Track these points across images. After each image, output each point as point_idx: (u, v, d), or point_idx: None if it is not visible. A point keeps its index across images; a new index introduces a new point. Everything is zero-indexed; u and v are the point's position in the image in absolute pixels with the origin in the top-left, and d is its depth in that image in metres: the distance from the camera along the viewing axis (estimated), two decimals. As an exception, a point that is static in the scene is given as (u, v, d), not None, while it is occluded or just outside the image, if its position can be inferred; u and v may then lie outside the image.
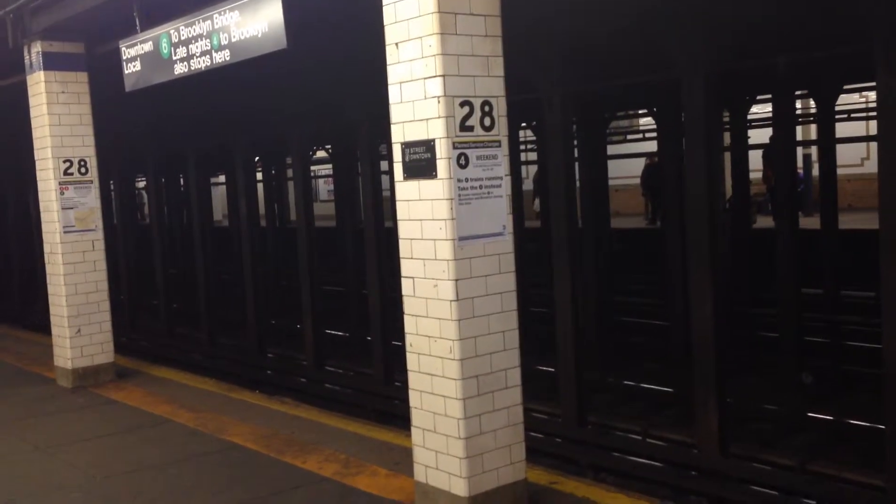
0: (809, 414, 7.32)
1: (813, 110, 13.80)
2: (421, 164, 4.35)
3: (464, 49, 4.30)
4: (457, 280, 4.29)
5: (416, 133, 4.36)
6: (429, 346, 4.45)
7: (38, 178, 8.31)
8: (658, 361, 9.42)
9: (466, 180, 4.31)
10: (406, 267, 4.54)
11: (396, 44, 4.41)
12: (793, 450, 6.71)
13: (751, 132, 12.43)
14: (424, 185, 4.36)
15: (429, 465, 4.52)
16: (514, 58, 4.89)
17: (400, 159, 4.48)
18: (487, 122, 4.39)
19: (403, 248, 4.54)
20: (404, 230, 4.53)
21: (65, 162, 8.06)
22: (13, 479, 5.77)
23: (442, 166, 4.25)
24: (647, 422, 7.43)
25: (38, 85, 8.03)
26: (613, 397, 8.52)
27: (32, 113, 8.22)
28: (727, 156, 12.13)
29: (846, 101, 14.28)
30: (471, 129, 4.32)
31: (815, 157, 16.99)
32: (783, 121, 9.43)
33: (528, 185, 19.51)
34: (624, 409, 8.15)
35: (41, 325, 11.31)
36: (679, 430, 6.98)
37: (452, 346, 4.32)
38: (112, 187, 14.24)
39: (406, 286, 4.55)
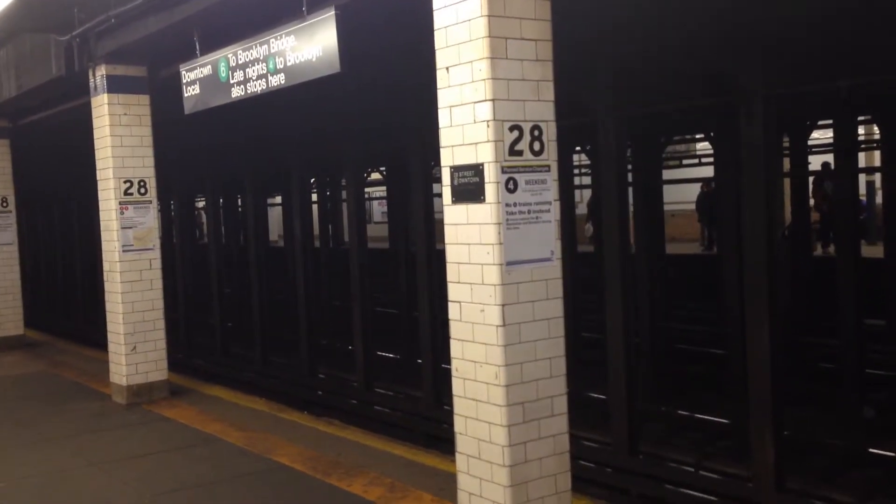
0: (870, 449, 7.07)
1: (876, 136, 13.46)
2: (469, 187, 4.34)
3: (514, 73, 4.29)
4: (503, 305, 4.25)
5: (465, 157, 4.35)
6: (474, 371, 4.41)
7: (99, 198, 8.52)
8: (714, 391, 9.21)
9: (515, 205, 4.28)
10: (453, 291, 4.52)
11: (447, 68, 4.42)
12: (852, 486, 6.48)
13: (812, 158, 12.16)
14: (472, 209, 4.34)
15: (473, 492, 4.47)
16: (567, 81, 4.87)
17: (448, 183, 4.47)
18: (537, 146, 4.36)
19: (451, 272, 4.53)
20: (452, 254, 4.51)
21: (125, 182, 8.25)
22: (65, 494, 5.87)
23: (490, 190, 4.23)
24: (700, 453, 7.25)
25: (102, 107, 8.25)
26: (666, 427, 8.34)
27: (95, 134, 8.44)
28: (786, 182, 11.89)
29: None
30: (520, 153, 4.30)
31: (878, 183, 16.55)
32: (845, 146, 9.20)
33: (581, 208, 19.36)
34: (677, 439, 7.97)
35: (102, 341, 11.58)
36: (734, 463, 6.79)
37: (498, 371, 4.27)
38: (172, 207, 14.56)
39: (453, 310, 4.52)
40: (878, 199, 15.09)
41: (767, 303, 5.71)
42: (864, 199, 16.96)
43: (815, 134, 12.48)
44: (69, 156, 13.65)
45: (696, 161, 17.75)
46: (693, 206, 20.86)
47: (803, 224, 11.31)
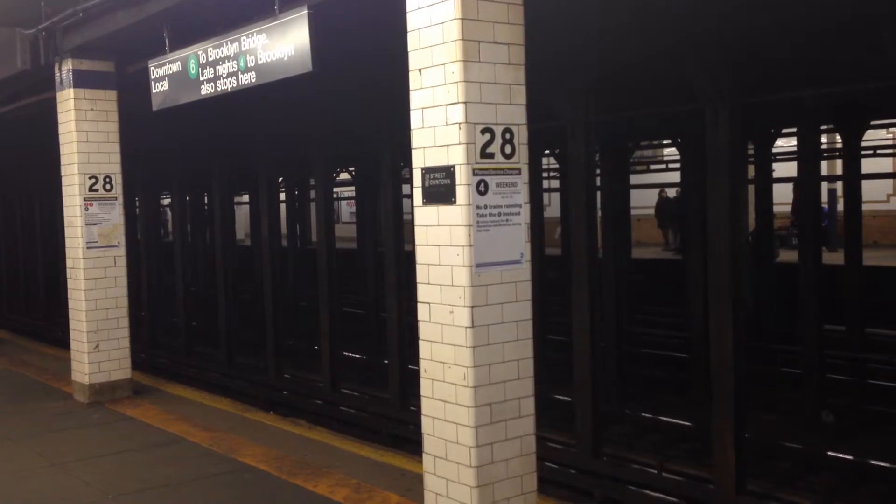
0: (829, 453, 7.19)
1: (839, 145, 13.70)
2: (440, 189, 4.35)
3: (486, 77, 4.32)
4: (473, 307, 4.27)
5: (437, 159, 4.36)
6: (443, 372, 4.42)
7: (63, 194, 8.40)
8: (677, 394, 9.32)
9: (485, 207, 4.31)
10: (423, 292, 4.53)
11: (420, 70, 4.43)
12: (812, 490, 6.60)
13: (775, 165, 12.35)
14: (443, 210, 4.36)
15: (439, 492, 4.48)
16: (538, 86, 4.90)
17: (420, 184, 4.48)
18: (508, 149, 4.39)
19: (420, 273, 4.54)
20: (422, 255, 4.53)
21: (90, 178, 8.15)
22: (27, 494, 5.78)
23: (461, 192, 4.25)
24: (663, 455, 7.33)
25: (68, 102, 8.15)
26: (630, 429, 8.43)
27: (61, 129, 8.33)
28: (751, 188, 12.07)
29: (873, 136, 14.18)
30: (491, 156, 4.33)
31: (840, 192, 16.85)
32: (808, 155, 9.35)
33: (549, 212, 19.48)
34: (640, 441, 8.06)
35: (64, 339, 11.41)
36: (696, 465, 6.88)
37: (466, 372, 4.29)
38: (137, 204, 14.40)
39: (422, 311, 4.54)
40: (840, 206, 15.37)
41: (731, 307, 5.79)
42: (825, 206, 17.24)
43: (780, 142, 12.67)
44: (32, 151, 13.44)
45: (664, 166, 17.92)
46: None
47: (767, 230, 11.47)
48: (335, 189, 16.96)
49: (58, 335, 13.04)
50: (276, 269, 10.86)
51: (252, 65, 6.03)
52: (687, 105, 7.33)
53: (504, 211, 4.38)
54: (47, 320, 15.18)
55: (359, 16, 6.39)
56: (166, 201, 22.27)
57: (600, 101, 7.00)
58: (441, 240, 4.38)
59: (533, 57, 4.61)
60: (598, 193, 8.49)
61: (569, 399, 7.90)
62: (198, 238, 17.57)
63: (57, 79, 8.29)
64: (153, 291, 13.60)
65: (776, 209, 12.20)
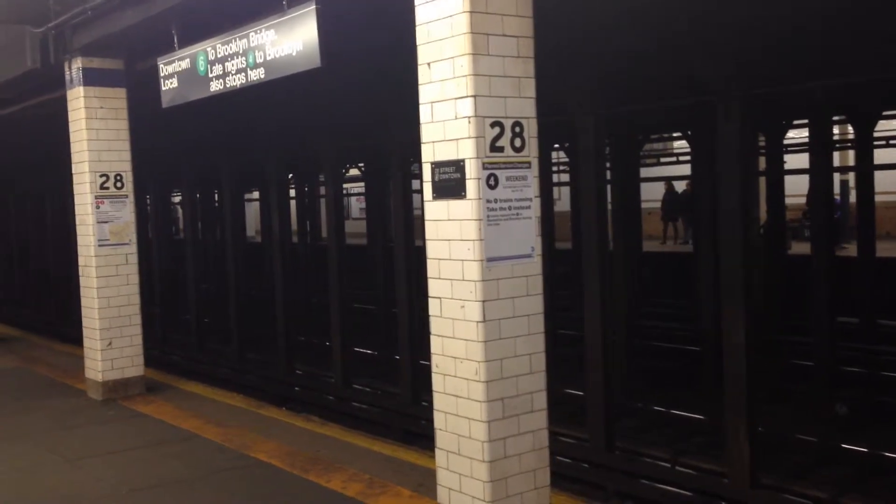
0: (843, 445, 7.16)
1: (851, 136, 13.61)
2: (450, 183, 4.34)
3: (496, 70, 4.30)
4: (484, 301, 4.26)
5: (446, 153, 4.35)
6: (455, 367, 4.42)
7: (74, 192, 8.43)
8: (689, 388, 9.28)
9: (495, 201, 4.30)
10: (433, 287, 4.52)
11: (428, 63, 4.42)
12: (826, 482, 6.56)
13: (787, 157, 12.27)
14: (453, 205, 4.35)
15: (452, 487, 4.48)
16: (548, 79, 4.88)
17: (429, 179, 4.47)
18: (518, 142, 4.38)
19: (431, 268, 4.53)
20: (432, 250, 4.52)
21: (101, 176, 8.17)
22: (41, 491, 5.81)
23: (471, 186, 4.24)
24: (676, 449, 7.31)
25: (78, 100, 8.16)
26: (642, 423, 8.41)
27: (71, 128, 8.35)
28: (762, 180, 12.01)
29: (886, 127, 14.07)
30: (501, 149, 4.31)
31: (852, 183, 16.74)
32: (820, 146, 9.30)
33: (559, 206, 19.44)
34: (653, 435, 8.03)
35: (76, 337, 11.46)
36: (709, 459, 6.86)
37: (478, 367, 4.29)
38: (148, 202, 14.44)
39: (433, 306, 4.53)
40: (852, 198, 15.27)
41: (743, 300, 5.77)
42: (838, 198, 17.13)
43: (791, 133, 12.58)
44: (43, 148, 13.49)
45: (674, 159, 17.86)
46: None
47: (779, 222, 11.40)
48: (345, 185, 16.98)
49: (70, 332, 13.10)
50: (287, 266, 10.88)
51: (261, 61, 6.02)
52: (698, 98, 7.30)
53: (514, 205, 4.37)
54: (59, 318, 15.24)
55: (366, 9, 6.38)
56: (177, 199, 22.34)
57: (610, 94, 6.97)
58: (451, 234, 4.37)
59: (541, 51, 4.59)
60: (609, 187, 8.48)
61: (580, 394, 7.88)
62: (208, 235, 17.60)
63: (67, 77, 8.31)
64: (165, 288, 13.65)
65: (788, 201, 12.13)
